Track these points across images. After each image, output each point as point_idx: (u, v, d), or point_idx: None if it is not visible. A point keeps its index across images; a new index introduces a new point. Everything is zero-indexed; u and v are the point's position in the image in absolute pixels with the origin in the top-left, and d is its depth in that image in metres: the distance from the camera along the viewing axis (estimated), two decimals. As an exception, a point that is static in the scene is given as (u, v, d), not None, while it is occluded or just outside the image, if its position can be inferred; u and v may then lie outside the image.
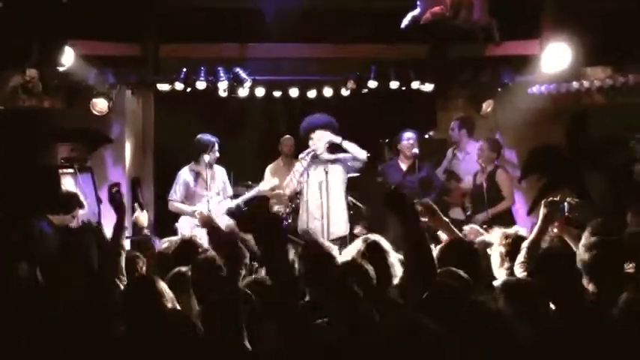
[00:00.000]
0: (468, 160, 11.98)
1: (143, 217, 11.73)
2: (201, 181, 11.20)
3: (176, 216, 11.48)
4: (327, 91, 12.67)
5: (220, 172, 11.55)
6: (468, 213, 11.70)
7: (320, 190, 10.73)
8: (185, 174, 11.33)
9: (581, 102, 11.93)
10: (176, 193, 11.40)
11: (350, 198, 11.68)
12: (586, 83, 11.63)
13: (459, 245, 6.59)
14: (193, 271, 6.18)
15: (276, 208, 11.82)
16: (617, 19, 11.25)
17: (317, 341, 4.48)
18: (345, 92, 12.62)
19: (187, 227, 10.90)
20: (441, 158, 12.36)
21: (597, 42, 11.40)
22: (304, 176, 10.86)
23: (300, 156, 10.96)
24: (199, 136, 11.30)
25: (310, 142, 10.92)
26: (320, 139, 10.91)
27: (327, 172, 10.68)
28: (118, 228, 6.68)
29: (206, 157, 11.12)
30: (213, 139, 11.26)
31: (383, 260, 6.14)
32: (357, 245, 6.83)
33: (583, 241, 6.88)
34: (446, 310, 4.42)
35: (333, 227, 10.61)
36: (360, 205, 11.86)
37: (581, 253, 5.91)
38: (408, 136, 11.40)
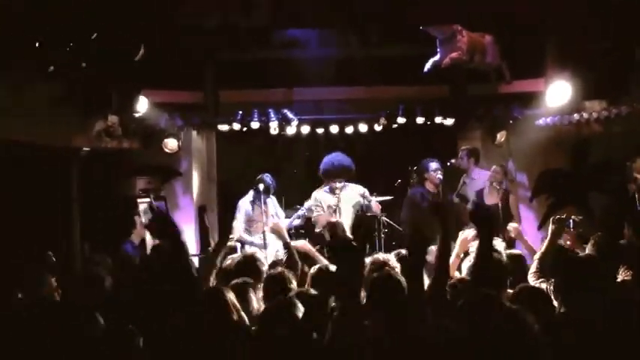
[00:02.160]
0: (474, 185, 12.00)
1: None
2: (258, 209, 11.31)
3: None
4: (363, 127, 12.74)
5: (272, 201, 11.67)
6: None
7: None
8: (245, 204, 11.43)
9: (582, 131, 11.79)
10: (238, 221, 11.52)
11: (384, 219, 11.78)
12: (585, 115, 11.57)
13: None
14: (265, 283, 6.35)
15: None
16: (609, 59, 11.24)
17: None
18: (377, 128, 12.69)
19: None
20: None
21: (594, 79, 11.35)
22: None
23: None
24: (262, 177, 11.30)
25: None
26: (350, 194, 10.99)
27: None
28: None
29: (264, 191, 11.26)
30: (269, 179, 11.38)
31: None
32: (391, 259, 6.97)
33: (588, 252, 7.02)
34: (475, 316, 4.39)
35: None
36: (395, 225, 11.85)
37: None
38: (435, 167, 11.29)
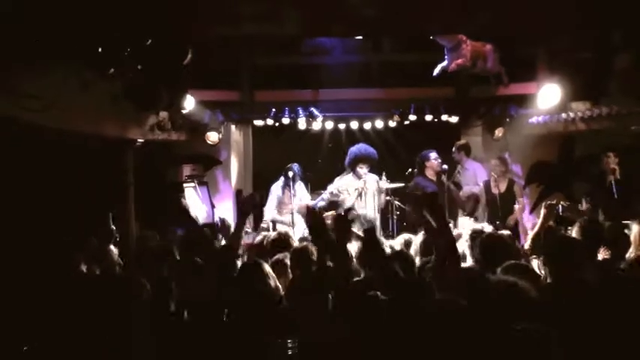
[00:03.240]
0: (466, 175, 12.07)
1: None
2: (287, 193, 11.43)
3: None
4: (379, 124, 12.84)
5: (300, 186, 11.80)
6: (466, 214, 11.81)
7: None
8: (276, 189, 11.56)
9: (568, 129, 11.87)
10: (271, 204, 11.69)
11: (397, 202, 11.87)
12: (571, 114, 11.60)
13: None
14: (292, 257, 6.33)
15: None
16: (593, 66, 11.22)
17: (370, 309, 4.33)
18: (392, 124, 12.80)
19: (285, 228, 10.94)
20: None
21: (579, 83, 11.34)
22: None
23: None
24: (291, 166, 11.53)
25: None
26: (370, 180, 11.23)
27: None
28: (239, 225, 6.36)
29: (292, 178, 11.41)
30: (296, 167, 11.53)
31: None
32: (400, 240, 7.06)
33: (574, 234, 7.07)
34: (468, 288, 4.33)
35: None
36: (404, 206, 11.93)
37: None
38: (435, 156, 11.44)
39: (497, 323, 3.77)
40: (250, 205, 6.51)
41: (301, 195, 11.70)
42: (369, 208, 11.18)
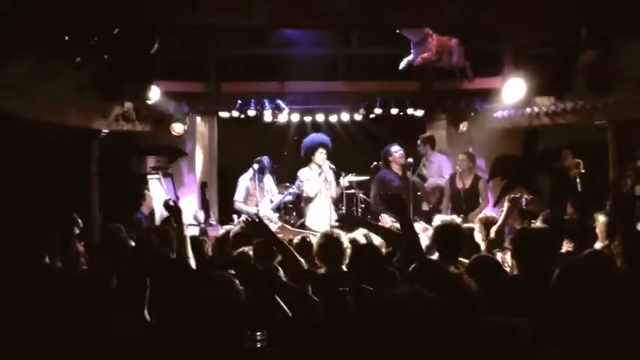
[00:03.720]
0: (431, 167, 12.15)
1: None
2: (256, 185, 11.41)
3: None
4: (345, 116, 12.85)
5: (269, 179, 11.79)
6: (431, 206, 11.92)
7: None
8: (245, 180, 11.54)
9: (532, 123, 11.93)
10: (239, 195, 11.68)
11: (362, 195, 11.91)
12: (536, 109, 11.67)
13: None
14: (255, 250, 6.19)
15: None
16: (557, 60, 11.31)
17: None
18: (357, 117, 12.79)
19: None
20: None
21: (544, 78, 11.44)
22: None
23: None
24: (260, 158, 11.58)
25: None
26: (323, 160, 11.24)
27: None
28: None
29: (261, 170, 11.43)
30: (266, 160, 11.53)
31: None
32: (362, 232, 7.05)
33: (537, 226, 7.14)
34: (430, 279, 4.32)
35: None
36: (369, 199, 11.94)
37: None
38: (397, 149, 11.51)
39: (467, 315, 3.80)
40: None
41: (270, 188, 11.71)
42: (327, 197, 11.22)
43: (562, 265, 4.04)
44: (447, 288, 4.02)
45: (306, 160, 11.39)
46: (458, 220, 7.36)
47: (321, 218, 10.95)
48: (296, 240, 6.86)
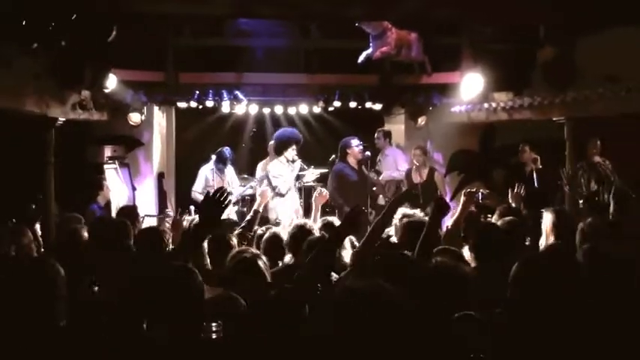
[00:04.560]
0: (386, 161, 12.20)
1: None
2: (216, 177, 11.34)
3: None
4: (303, 109, 12.82)
5: (230, 171, 11.72)
6: (387, 199, 11.94)
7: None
8: (205, 171, 11.46)
9: (490, 119, 12.03)
10: (197, 186, 11.59)
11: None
12: (493, 104, 11.73)
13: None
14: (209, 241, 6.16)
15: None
16: (515, 56, 11.41)
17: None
18: (316, 110, 12.78)
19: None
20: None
21: (502, 74, 11.53)
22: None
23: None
24: (222, 150, 11.51)
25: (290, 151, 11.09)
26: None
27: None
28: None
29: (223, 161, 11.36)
30: (228, 151, 11.46)
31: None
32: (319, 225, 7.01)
33: (493, 221, 7.20)
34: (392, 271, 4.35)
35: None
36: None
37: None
38: (357, 143, 11.44)
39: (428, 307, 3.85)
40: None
41: (230, 179, 11.65)
42: (296, 192, 11.20)
43: (521, 258, 4.04)
44: (417, 282, 4.08)
45: (276, 154, 11.27)
46: (420, 214, 7.39)
47: (290, 213, 10.88)
48: (267, 235, 6.79)
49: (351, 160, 11.44)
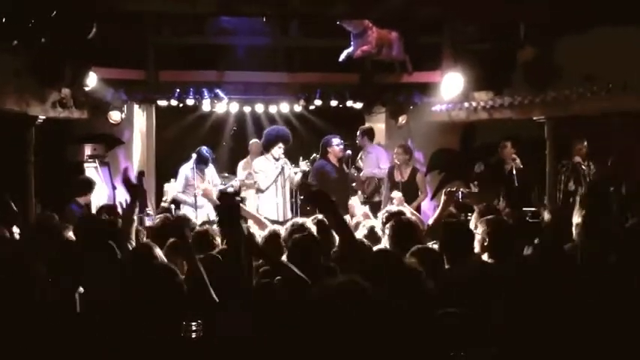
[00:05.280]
0: (368, 158, 12.17)
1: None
2: (197, 175, 11.26)
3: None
4: (284, 107, 12.80)
5: (211, 170, 11.66)
6: (366, 196, 11.95)
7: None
8: (185, 170, 11.38)
9: (470, 118, 12.07)
10: (178, 184, 11.50)
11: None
12: (474, 103, 11.77)
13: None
14: (193, 240, 6.08)
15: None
16: (496, 56, 11.45)
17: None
18: (297, 108, 12.79)
19: (188, 209, 10.93)
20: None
21: (482, 73, 11.57)
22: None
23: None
24: (202, 149, 11.41)
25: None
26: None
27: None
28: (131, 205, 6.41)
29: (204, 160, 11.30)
30: (207, 152, 11.42)
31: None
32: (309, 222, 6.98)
33: (473, 219, 7.18)
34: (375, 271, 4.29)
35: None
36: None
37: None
38: (338, 142, 11.42)
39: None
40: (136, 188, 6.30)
41: (211, 178, 11.59)
42: (283, 191, 11.15)
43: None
44: (400, 280, 4.05)
45: (264, 151, 11.22)
46: (406, 210, 7.41)
47: (273, 210, 10.83)
48: (265, 233, 6.75)
49: (332, 158, 11.44)
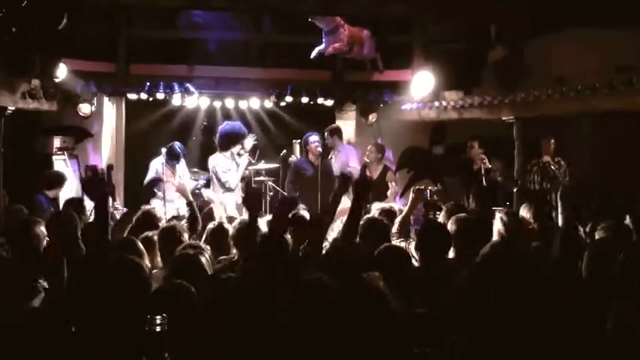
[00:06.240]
0: (339, 158, 12.15)
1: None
2: (167, 170, 11.19)
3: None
4: (255, 103, 12.72)
5: (182, 165, 11.58)
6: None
7: None
8: (156, 164, 11.30)
9: (440, 117, 12.12)
10: (147, 179, 11.37)
11: (270, 183, 11.85)
12: (444, 103, 11.81)
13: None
14: (159, 236, 6.17)
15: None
16: (466, 56, 11.51)
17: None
18: (268, 104, 12.72)
19: (158, 205, 10.82)
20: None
21: (452, 73, 11.64)
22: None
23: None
24: (174, 145, 11.33)
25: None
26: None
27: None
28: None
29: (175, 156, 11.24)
30: (178, 147, 11.35)
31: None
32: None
33: (441, 218, 7.22)
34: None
35: None
36: (279, 189, 11.89)
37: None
38: (314, 140, 11.45)
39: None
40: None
41: (182, 174, 11.50)
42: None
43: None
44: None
45: (222, 149, 11.10)
46: (396, 207, 7.47)
47: (235, 208, 10.78)
48: (211, 225, 6.75)
49: (310, 156, 11.41)
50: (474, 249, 5.64)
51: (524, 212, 6.98)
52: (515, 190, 10.16)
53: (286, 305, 3.63)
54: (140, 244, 5.73)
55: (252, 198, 5.23)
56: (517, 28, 10.47)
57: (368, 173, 11.09)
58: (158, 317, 3.00)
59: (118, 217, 10.14)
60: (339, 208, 6.97)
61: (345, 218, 5.78)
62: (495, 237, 6.47)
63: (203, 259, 5.02)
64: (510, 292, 3.79)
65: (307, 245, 5.37)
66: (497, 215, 6.67)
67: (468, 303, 3.86)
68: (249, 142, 11.20)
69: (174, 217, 8.38)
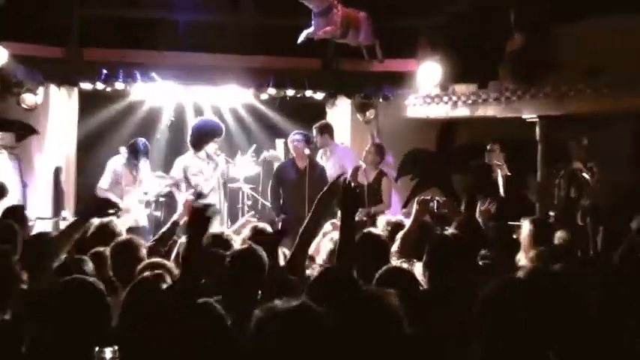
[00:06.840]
0: (332, 159, 12.07)
1: None
2: (127, 172, 11.09)
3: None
4: (232, 96, 12.71)
5: (145, 166, 11.46)
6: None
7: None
8: (115, 165, 11.19)
9: (449, 114, 12.05)
10: (104, 182, 11.27)
11: (248, 190, 11.73)
12: (454, 98, 11.78)
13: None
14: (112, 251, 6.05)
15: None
16: (480, 44, 11.46)
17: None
18: (247, 97, 12.70)
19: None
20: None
21: (464, 63, 11.60)
22: None
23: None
24: (137, 140, 11.25)
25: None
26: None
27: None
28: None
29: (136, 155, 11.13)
30: (142, 143, 11.23)
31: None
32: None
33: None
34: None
35: None
36: (258, 197, 11.81)
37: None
38: (295, 138, 11.30)
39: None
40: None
41: (144, 175, 11.37)
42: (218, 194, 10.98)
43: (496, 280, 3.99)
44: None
45: (195, 149, 10.97)
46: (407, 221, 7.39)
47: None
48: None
49: (296, 158, 11.31)
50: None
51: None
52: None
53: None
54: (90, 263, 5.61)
55: (196, 217, 5.06)
56: (540, 12, 10.41)
57: (360, 179, 11.06)
58: (109, 349, 2.95)
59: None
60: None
61: (335, 235, 5.71)
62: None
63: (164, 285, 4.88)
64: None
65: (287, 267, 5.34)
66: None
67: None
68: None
69: (131, 229, 8.26)
